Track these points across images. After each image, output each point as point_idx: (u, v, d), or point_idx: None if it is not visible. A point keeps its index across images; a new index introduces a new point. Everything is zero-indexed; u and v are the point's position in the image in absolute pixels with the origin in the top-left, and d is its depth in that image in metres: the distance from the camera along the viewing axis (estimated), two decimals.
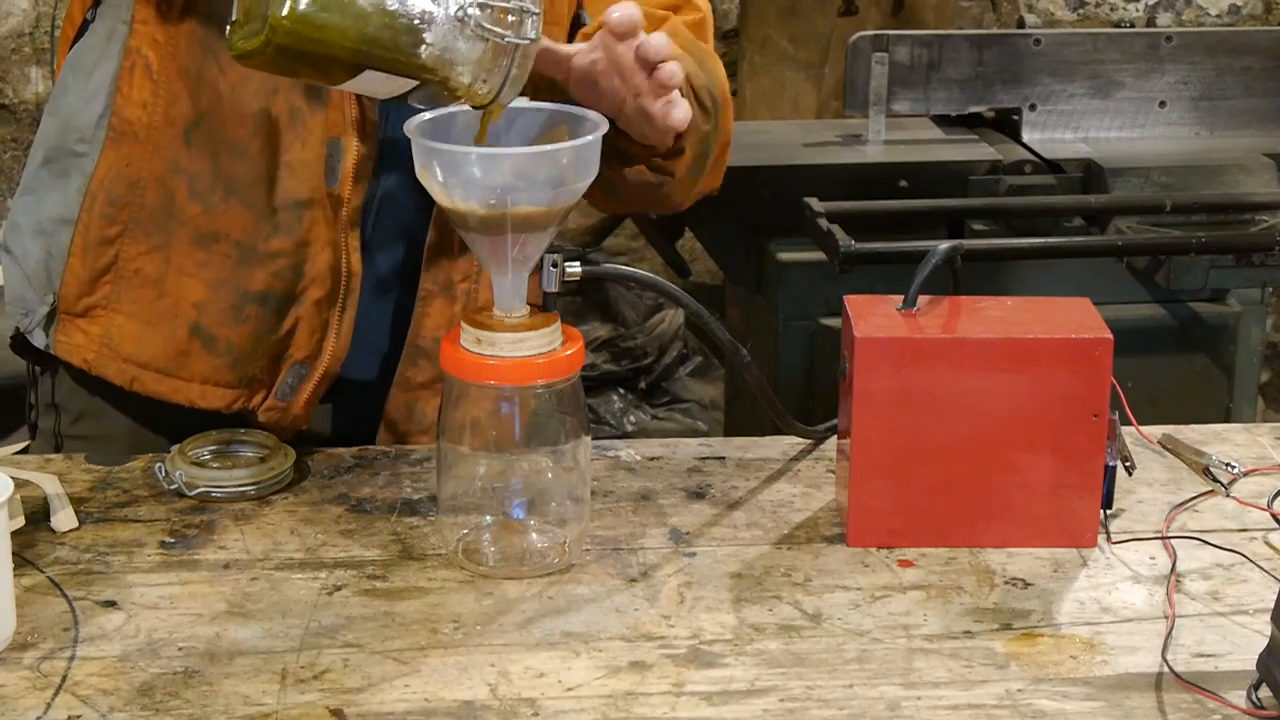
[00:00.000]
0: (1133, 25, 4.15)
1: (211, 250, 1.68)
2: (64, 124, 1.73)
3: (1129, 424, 1.72)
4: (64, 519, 1.58)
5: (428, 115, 1.48)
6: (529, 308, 1.49)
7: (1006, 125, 3.23)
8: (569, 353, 1.48)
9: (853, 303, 1.58)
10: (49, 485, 1.63)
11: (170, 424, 1.73)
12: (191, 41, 1.65)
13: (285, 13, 1.32)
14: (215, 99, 1.65)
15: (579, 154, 1.44)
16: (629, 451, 1.75)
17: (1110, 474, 1.56)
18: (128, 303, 1.71)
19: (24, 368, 1.85)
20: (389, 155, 1.67)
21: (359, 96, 1.63)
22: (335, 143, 1.65)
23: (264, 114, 1.64)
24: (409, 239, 1.72)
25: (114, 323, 1.71)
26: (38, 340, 1.76)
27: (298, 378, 1.72)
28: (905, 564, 1.53)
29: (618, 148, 1.60)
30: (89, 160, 1.70)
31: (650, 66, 1.50)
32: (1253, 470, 1.70)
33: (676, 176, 1.71)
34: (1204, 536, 1.58)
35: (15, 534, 1.52)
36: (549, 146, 1.43)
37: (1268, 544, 1.57)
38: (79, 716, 1.29)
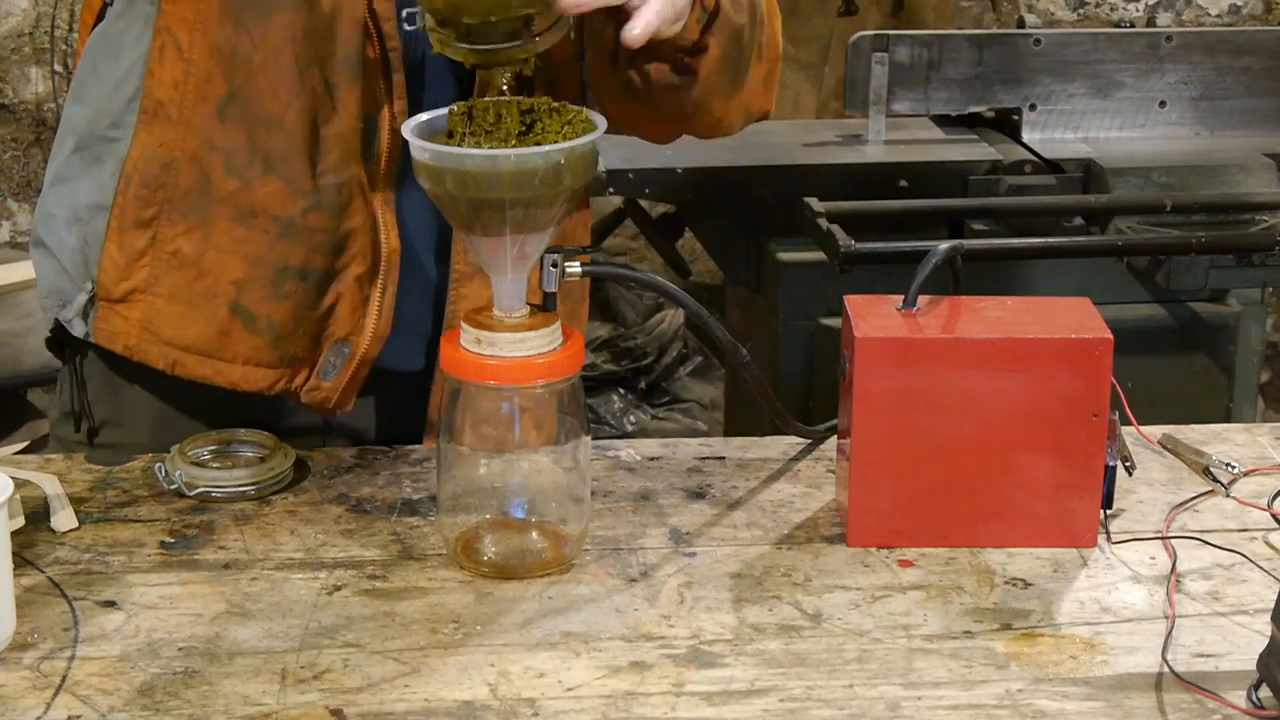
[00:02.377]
0: (1133, 25, 4.15)
1: (250, 226, 1.67)
2: (93, 110, 1.72)
3: (1129, 424, 1.72)
4: (64, 519, 1.58)
5: (425, 117, 1.48)
6: (529, 308, 1.49)
7: (1006, 125, 3.23)
8: (569, 353, 1.48)
9: (853, 303, 1.58)
10: (49, 485, 1.63)
11: (203, 418, 1.73)
12: (223, 16, 1.64)
13: None
14: (249, 73, 1.64)
15: (576, 153, 1.44)
16: (629, 451, 1.75)
17: (1110, 474, 1.56)
18: (167, 285, 1.70)
19: (23, 368, 1.84)
20: None
21: (388, 76, 1.64)
22: (371, 119, 1.65)
23: (299, 87, 1.64)
24: (443, 220, 1.72)
25: (154, 306, 1.70)
26: (77, 329, 1.74)
27: (339, 356, 1.71)
28: (905, 564, 1.53)
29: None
30: (121, 144, 1.69)
31: None
32: (1253, 470, 1.70)
33: (701, 75, 1.67)
34: (1204, 536, 1.58)
35: (15, 534, 1.52)
36: (546, 147, 1.43)
37: (1268, 544, 1.57)
38: (79, 716, 1.29)
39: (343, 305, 1.70)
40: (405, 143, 1.63)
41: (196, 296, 1.69)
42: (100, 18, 1.73)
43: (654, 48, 1.60)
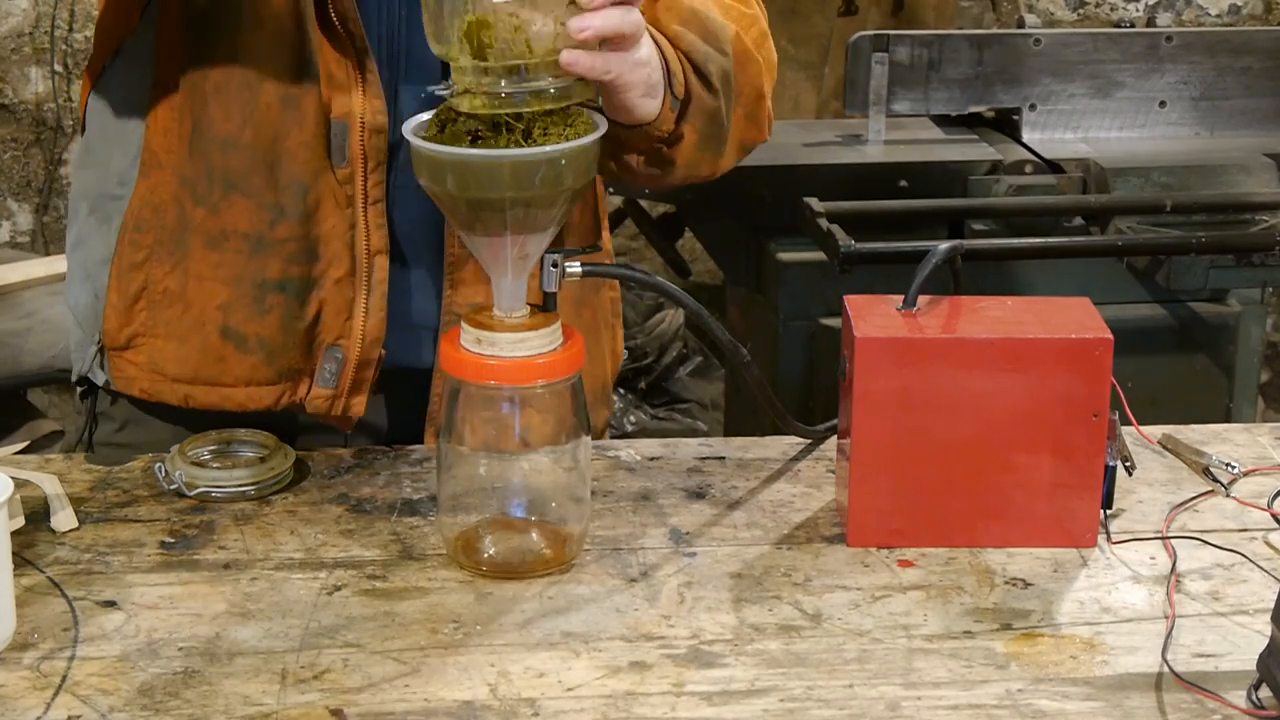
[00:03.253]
0: (1133, 25, 4.15)
1: (223, 249, 1.69)
2: (101, 171, 1.76)
3: (1129, 424, 1.72)
4: (64, 519, 1.58)
5: (425, 116, 1.48)
6: (529, 308, 1.49)
7: (1006, 125, 3.23)
8: (569, 353, 1.48)
9: (853, 303, 1.58)
10: (49, 485, 1.63)
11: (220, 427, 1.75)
12: (196, 58, 1.67)
13: None
14: (203, 103, 1.67)
15: (577, 154, 1.44)
16: (629, 451, 1.75)
17: (1110, 474, 1.56)
18: (162, 324, 1.73)
19: (23, 368, 1.87)
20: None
21: (364, 76, 1.65)
22: (339, 124, 1.65)
23: (251, 104, 1.65)
24: (435, 212, 1.72)
25: (155, 347, 1.73)
26: (98, 378, 1.78)
27: (335, 362, 1.71)
28: (905, 564, 1.53)
29: (610, 136, 1.59)
30: (125, 200, 1.73)
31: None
32: (1253, 470, 1.70)
33: (680, 163, 1.68)
34: (1204, 536, 1.58)
35: (15, 534, 1.52)
36: (547, 148, 1.43)
37: (1268, 544, 1.57)
38: (79, 716, 1.29)
39: (327, 311, 1.70)
40: (386, 140, 1.64)
41: (187, 329, 1.71)
42: (99, 83, 1.77)
43: (629, 140, 1.62)
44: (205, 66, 1.66)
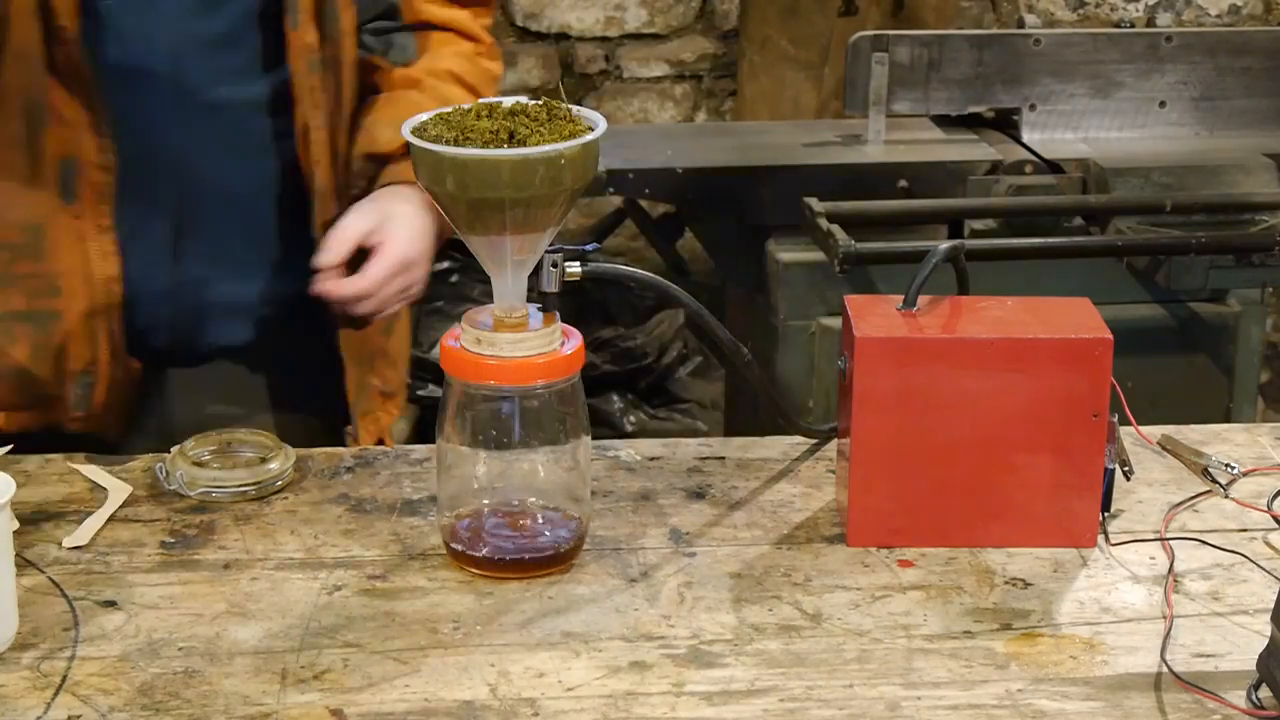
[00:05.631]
0: (1133, 25, 4.15)
1: None
2: None
3: (1129, 424, 1.72)
4: (82, 533, 1.56)
5: (425, 116, 1.48)
6: (529, 308, 1.49)
7: (1006, 125, 3.23)
8: (569, 353, 1.48)
9: (853, 303, 1.58)
10: (115, 494, 1.62)
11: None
12: None
13: None
14: None
15: (577, 154, 1.44)
16: (629, 451, 1.75)
17: (1109, 477, 1.56)
18: None
19: None
20: (136, 158, 1.75)
21: (94, 115, 1.72)
22: (69, 160, 1.72)
23: None
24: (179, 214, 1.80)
25: None
26: None
27: (85, 388, 1.80)
28: (905, 564, 1.53)
29: None
30: None
31: None
32: (1252, 470, 1.70)
33: None
34: (1204, 537, 1.58)
35: (15, 534, 1.52)
36: (547, 147, 1.43)
37: (1268, 544, 1.57)
38: (79, 716, 1.29)
39: (74, 342, 1.77)
40: (119, 170, 1.73)
41: None
42: None
43: None
44: None
